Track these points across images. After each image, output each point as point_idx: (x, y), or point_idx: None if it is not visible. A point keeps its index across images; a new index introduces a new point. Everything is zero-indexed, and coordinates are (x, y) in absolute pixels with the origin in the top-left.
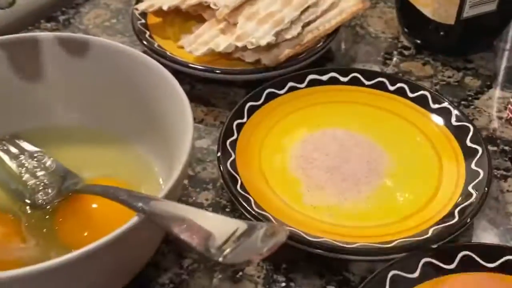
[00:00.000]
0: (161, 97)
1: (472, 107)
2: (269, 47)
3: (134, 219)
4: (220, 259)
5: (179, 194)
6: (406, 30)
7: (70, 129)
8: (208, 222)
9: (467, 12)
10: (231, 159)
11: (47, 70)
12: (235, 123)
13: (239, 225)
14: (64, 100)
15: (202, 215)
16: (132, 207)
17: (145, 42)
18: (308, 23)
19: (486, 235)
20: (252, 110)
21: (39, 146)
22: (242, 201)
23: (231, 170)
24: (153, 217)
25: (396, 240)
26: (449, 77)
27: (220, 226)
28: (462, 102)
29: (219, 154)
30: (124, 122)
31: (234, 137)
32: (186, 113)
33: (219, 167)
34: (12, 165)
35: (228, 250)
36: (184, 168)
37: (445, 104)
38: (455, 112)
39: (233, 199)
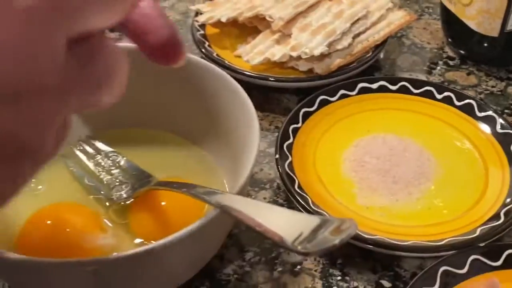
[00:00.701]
0: (229, 104)
1: None
2: (322, 56)
3: (211, 212)
4: (299, 248)
5: (246, 192)
6: (450, 41)
7: (139, 132)
8: (279, 215)
9: (511, 25)
10: (288, 161)
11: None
12: (291, 127)
13: (311, 219)
14: (136, 104)
15: (274, 209)
16: (208, 202)
17: (204, 51)
18: (358, 35)
19: None
20: (306, 115)
21: (112, 147)
22: (300, 200)
23: (289, 171)
24: (229, 210)
25: (446, 238)
26: (492, 86)
27: (292, 219)
28: (505, 111)
29: (277, 156)
30: (192, 126)
31: (290, 141)
32: (253, 119)
33: (278, 168)
34: (89, 164)
35: (305, 242)
36: (252, 168)
37: (490, 112)
38: (499, 120)
39: (291, 198)
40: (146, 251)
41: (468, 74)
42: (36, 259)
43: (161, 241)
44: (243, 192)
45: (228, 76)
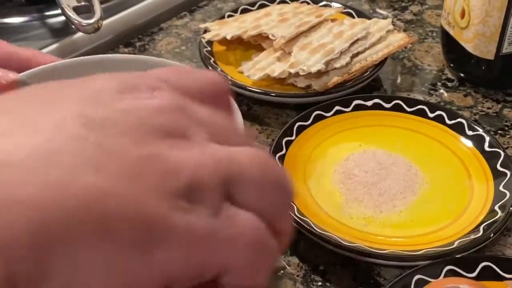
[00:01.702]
0: None
1: (508, 136)
2: (319, 74)
3: None
4: None
5: None
6: (450, 63)
7: None
8: None
9: (506, 49)
10: None
11: None
12: (284, 139)
13: None
14: None
15: None
16: None
17: (209, 67)
18: (356, 54)
19: (511, 252)
20: (301, 129)
21: None
22: None
23: None
24: None
25: (424, 249)
26: (488, 108)
27: None
28: (499, 131)
29: None
30: None
31: (283, 152)
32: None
33: None
34: None
35: None
36: None
37: (480, 132)
38: (488, 138)
39: None
40: None
41: (465, 95)
42: None
43: None
44: None
45: None
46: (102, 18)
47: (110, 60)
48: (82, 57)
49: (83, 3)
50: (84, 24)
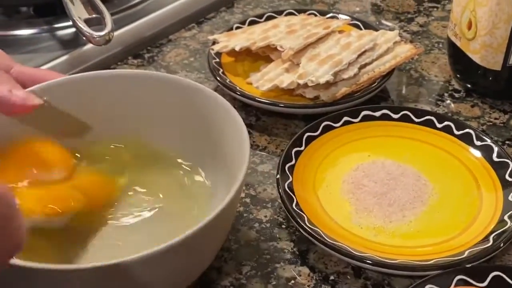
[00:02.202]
0: (222, 125)
1: None
2: (328, 85)
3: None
4: None
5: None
6: (457, 74)
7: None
8: None
9: None
10: (289, 181)
11: (135, 100)
12: (293, 150)
13: None
14: (142, 124)
15: None
16: None
17: (218, 78)
18: (364, 65)
19: None
20: (310, 139)
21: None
22: (297, 217)
23: (288, 191)
24: None
25: (434, 259)
26: (495, 118)
27: None
28: (507, 142)
29: (278, 176)
30: (189, 148)
31: (292, 163)
32: (244, 139)
33: (278, 187)
34: None
35: None
36: (239, 187)
37: (488, 142)
38: (496, 149)
39: (289, 216)
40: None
41: (473, 106)
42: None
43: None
44: (235, 202)
45: (220, 97)
46: (113, 30)
47: (120, 75)
48: (90, 72)
49: (94, 16)
50: (95, 36)
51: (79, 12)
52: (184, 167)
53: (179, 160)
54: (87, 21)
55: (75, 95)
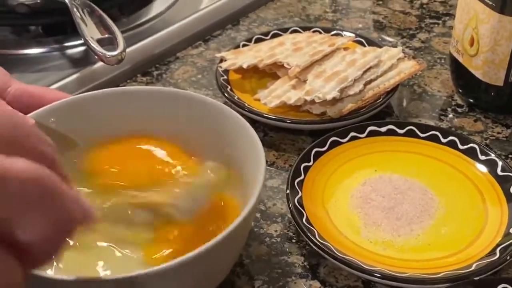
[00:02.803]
0: (238, 141)
1: None
2: (334, 101)
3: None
4: None
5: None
6: (459, 89)
7: None
8: None
9: None
10: (298, 196)
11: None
12: (302, 165)
13: None
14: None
15: None
16: None
17: (226, 95)
18: (369, 82)
19: None
20: (318, 155)
21: None
22: (307, 232)
23: (298, 206)
24: None
25: (443, 272)
26: (498, 133)
27: None
28: (510, 156)
29: (288, 191)
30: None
31: (301, 178)
32: (260, 154)
33: (288, 202)
34: None
35: None
36: (256, 201)
37: (492, 156)
38: (500, 163)
39: (299, 231)
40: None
41: (475, 120)
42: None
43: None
44: (252, 214)
45: (235, 113)
46: (125, 50)
47: (132, 92)
48: (103, 90)
49: (106, 36)
50: (108, 56)
51: (91, 32)
52: None
53: None
54: (99, 41)
55: (83, 115)
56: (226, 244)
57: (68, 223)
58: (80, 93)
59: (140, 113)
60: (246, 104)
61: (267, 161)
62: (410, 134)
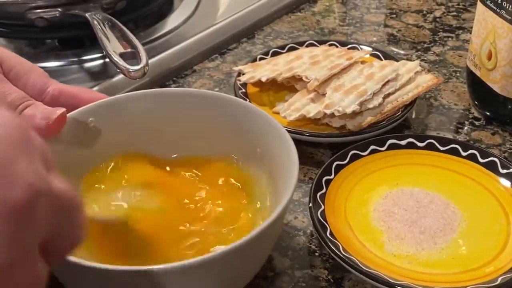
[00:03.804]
0: (270, 141)
1: None
2: (354, 114)
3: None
4: None
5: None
6: (476, 103)
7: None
8: None
9: None
10: (321, 209)
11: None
12: (324, 178)
13: None
14: (188, 139)
15: None
16: None
17: None
18: (388, 95)
19: None
20: (339, 168)
21: None
22: (331, 246)
23: (321, 219)
24: None
25: (468, 286)
26: None
27: None
28: None
29: (310, 205)
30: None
31: (323, 191)
32: (292, 153)
33: (311, 216)
34: None
35: None
36: (292, 193)
37: None
38: None
39: (323, 244)
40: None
41: (493, 134)
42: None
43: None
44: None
45: (267, 114)
46: (148, 64)
47: (167, 93)
48: (139, 91)
49: (129, 50)
50: (131, 70)
51: (113, 46)
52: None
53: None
54: (122, 55)
55: (119, 115)
56: (256, 242)
57: (81, 232)
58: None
59: (176, 114)
60: None
61: None
62: (430, 147)
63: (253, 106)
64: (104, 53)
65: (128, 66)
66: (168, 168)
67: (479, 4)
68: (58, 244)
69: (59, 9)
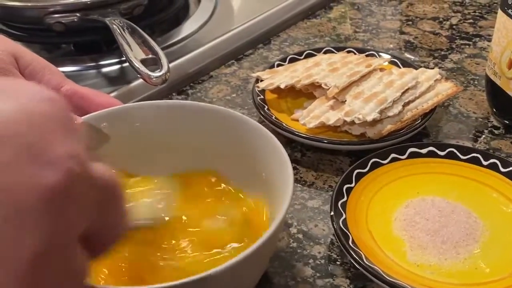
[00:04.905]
0: (266, 156)
1: None
2: (374, 122)
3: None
4: None
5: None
6: (495, 111)
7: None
8: None
9: None
10: (342, 218)
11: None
12: (344, 187)
13: None
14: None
15: None
16: None
17: (263, 114)
18: (408, 103)
19: None
20: (359, 176)
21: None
22: (354, 255)
23: (343, 227)
24: None
25: None
26: None
27: None
28: None
29: (332, 213)
30: (234, 175)
31: (344, 199)
32: (287, 166)
33: (333, 224)
34: None
35: None
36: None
37: None
38: None
39: (345, 253)
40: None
41: None
42: None
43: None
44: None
45: (262, 127)
46: (169, 70)
47: (179, 106)
48: (154, 101)
49: (150, 56)
50: (152, 77)
51: (134, 52)
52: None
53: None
54: (143, 61)
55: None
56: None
57: (124, 223)
58: None
59: (184, 127)
60: (284, 124)
61: (306, 182)
62: (451, 156)
63: (254, 123)
64: (122, 59)
65: (149, 73)
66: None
67: (499, 12)
68: (101, 236)
69: (78, 14)
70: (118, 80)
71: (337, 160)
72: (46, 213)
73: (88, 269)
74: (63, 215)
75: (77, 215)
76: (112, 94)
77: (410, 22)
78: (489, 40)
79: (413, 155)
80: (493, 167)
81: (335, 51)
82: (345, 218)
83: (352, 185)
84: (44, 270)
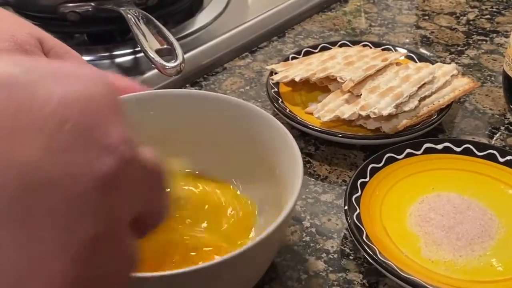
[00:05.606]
0: (276, 147)
1: None
2: (389, 117)
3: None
4: None
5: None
6: None
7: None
8: None
9: None
10: (356, 212)
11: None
12: (359, 181)
13: None
14: (197, 146)
15: None
16: None
17: (277, 107)
18: (424, 98)
19: None
20: (374, 171)
21: None
22: (368, 250)
23: (357, 222)
24: None
25: None
26: None
27: None
28: None
29: (346, 207)
30: (240, 168)
31: (358, 194)
32: (297, 158)
33: (346, 218)
34: None
35: None
36: (293, 205)
37: None
38: None
39: (359, 248)
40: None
41: None
42: None
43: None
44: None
45: (272, 117)
46: (184, 61)
47: (195, 95)
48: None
49: (165, 46)
50: (167, 67)
51: (149, 42)
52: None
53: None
54: (158, 52)
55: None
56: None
57: (168, 208)
58: None
59: (197, 116)
60: (298, 117)
61: (320, 176)
62: (467, 152)
63: (267, 115)
64: (136, 49)
65: (164, 63)
66: None
67: None
68: (147, 220)
69: (92, 4)
70: (132, 70)
71: (351, 155)
72: (102, 199)
73: (138, 254)
74: (117, 201)
75: (129, 200)
76: None
77: (427, 17)
78: (507, 36)
79: (428, 151)
80: (509, 164)
81: (351, 45)
82: (359, 213)
83: (367, 179)
84: (95, 257)
